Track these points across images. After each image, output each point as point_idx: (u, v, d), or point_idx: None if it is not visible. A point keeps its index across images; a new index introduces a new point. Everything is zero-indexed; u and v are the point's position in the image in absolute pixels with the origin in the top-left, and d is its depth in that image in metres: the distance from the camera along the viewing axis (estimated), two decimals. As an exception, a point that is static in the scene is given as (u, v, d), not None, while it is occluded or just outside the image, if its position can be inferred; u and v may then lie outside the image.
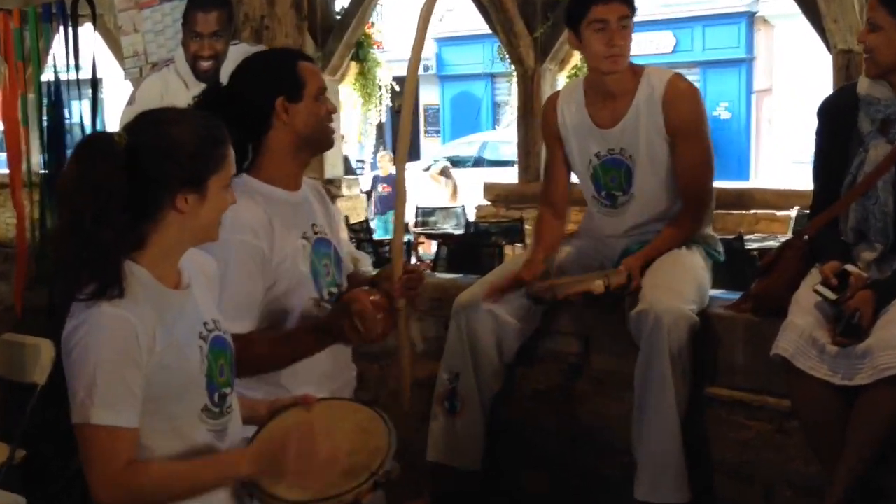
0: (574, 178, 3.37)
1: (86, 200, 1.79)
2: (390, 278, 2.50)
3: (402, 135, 2.61)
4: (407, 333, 2.61)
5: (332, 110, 2.47)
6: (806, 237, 2.89)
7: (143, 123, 1.90)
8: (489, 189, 10.34)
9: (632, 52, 3.10)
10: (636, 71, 3.14)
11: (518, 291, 3.17)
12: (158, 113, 1.95)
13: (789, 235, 4.60)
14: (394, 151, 23.14)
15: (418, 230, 9.60)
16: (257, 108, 2.41)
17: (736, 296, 3.11)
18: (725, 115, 17.61)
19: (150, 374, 1.83)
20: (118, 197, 1.80)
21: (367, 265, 3.08)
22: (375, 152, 16.39)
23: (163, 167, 1.84)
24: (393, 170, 13.20)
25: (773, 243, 6.21)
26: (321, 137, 2.48)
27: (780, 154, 17.02)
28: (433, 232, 9.48)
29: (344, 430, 2.05)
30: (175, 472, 1.88)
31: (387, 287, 2.47)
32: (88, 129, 4.53)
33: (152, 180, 1.84)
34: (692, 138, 3.11)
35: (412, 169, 13.59)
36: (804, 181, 3.01)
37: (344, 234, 2.71)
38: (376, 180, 13.12)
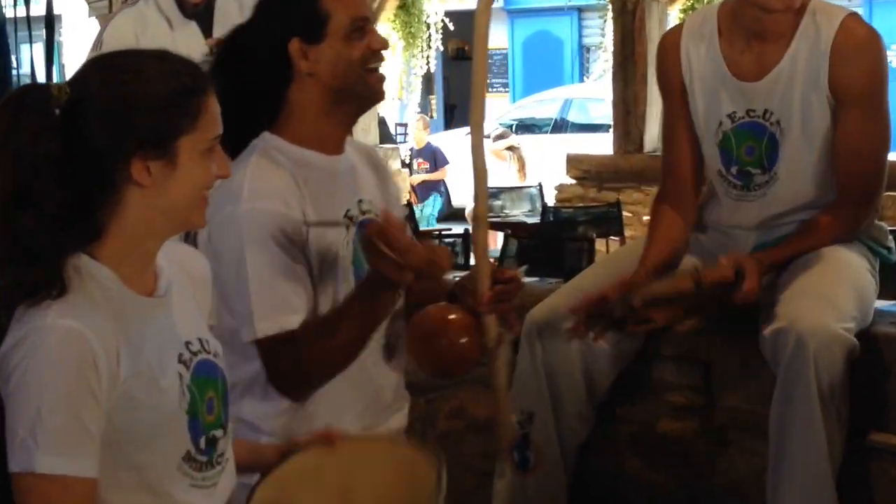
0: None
1: (5, 173, 1.81)
2: (476, 289, 2.47)
3: (475, 90, 2.54)
4: (504, 362, 2.58)
5: (376, 47, 2.47)
6: None
7: (92, 70, 1.91)
8: (574, 163, 10.33)
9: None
10: (798, 7, 3.07)
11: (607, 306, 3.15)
12: (113, 57, 1.96)
13: None
14: (448, 111, 23.27)
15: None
16: (270, 54, 2.45)
17: (912, 309, 3.07)
18: (889, 62, 17.33)
19: (112, 410, 1.83)
20: (48, 168, 1.80)
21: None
22: (424, 112, 16.42)
23: (112, 125, 1.83)
24: (430, 139, 13.37)
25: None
26: (359, 89, 2.48)
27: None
28: (499, 220, 9.48)
29: (376, 480, 2.05)
30: None
31: (472, 301, 2.46)
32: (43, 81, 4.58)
33: (99, 144, 1.83)
34: (866, 104, 3.06)
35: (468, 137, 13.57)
36: None
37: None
38: (410, 155, 13.10)
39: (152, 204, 1.88)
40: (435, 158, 12.93)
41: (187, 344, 1.97)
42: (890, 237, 3.26)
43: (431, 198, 12.65)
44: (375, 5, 10.04)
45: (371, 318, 2.40)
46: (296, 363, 2.34)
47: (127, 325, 1.87)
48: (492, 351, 2.47)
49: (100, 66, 1.92)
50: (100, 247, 1.88)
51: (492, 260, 6.56)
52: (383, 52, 2.50)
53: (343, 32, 2.44)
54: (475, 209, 2.58)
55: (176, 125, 1.86)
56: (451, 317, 2.39)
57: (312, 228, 2.43)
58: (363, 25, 2.46)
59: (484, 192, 2.57)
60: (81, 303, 1.82)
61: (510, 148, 12.12)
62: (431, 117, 19.10)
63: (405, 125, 17.37)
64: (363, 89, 2.49)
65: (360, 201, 2.55)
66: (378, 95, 2.53)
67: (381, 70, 2.51)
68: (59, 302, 1.80)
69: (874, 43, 3.08)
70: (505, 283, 2.47)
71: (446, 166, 12.76)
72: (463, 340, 2.38)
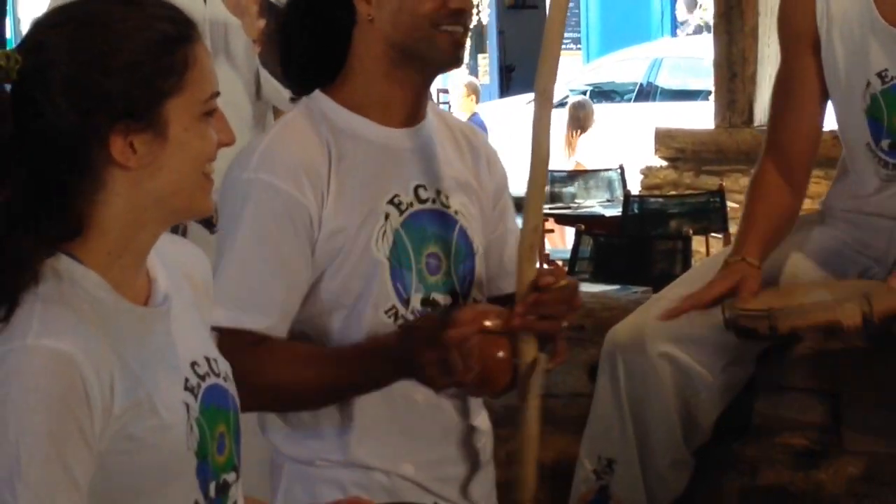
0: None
1: None
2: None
3: (548, 46, 2.57)
4: (536, 391, 2.57)
5: (453, 6, 2.47)
6: None
7: (47, 29, 1.88)
8: (665, 140, 10.30)
9: None
10: None
11: (717, 323, 3.14)
12: (71, 8, 1.91)
13: None
14: (504, 74, 23.31)
15: (546, 209, 9.60)
16: None
17: None
18: None
19: (105, 453, 1.82)
20: (2, 158, 1.78)
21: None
22: (473, 74, 16.43)
23: (77, 97, 1.82)
24: (477, 108, 13.31)
25: None
26: (425, 50, 2.50)
27: None
28: (569, 212, 9.49)
29: None
30: None
31: (508, 314, 2.47)
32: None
33: (65, 122, 1.81)
34: None
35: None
36: None
37: (511, 219, 2.71)
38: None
39: (143, 189, 1.86)
40: None
41: (193, 365, 1.96)
42: None
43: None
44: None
45: (362, 387, 2.44)
46: (247, 374, 2.29)
47: (121, 344, 1.86)
48: (522, 381, 2.48)
49: (55, 22, 1.88)
50: (84, 247, 1.87)
51: (560, 262, 6.60)
52: (465, 16, 2.51)
53: None
54: (528, 198, 2.57)
55: (159, 87, 1.83)
56: (488, 323, 2.38)
57: (330, 218, 2.46)
58: None
59: (543, 180, 2.62)
60: (67, 317, 1.81)
61: (576, 112, 12.01)
62: (482, 82, 19.12)
63: (449, 93, 17.37)
64: (430, 51, 2.50)
65: (419, 187, 2.56)
66: (449, 61, 2.55)
67: (461, 31, 2.50)
68: (39, 318, 1.80)
69: None
70: (545, 287, 2.47)
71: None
72: (500, 355, 2.39)
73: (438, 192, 2.59)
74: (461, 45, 2.53)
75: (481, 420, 2.68)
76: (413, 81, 2.54)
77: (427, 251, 2.54)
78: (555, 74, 2.57)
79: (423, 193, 2.56)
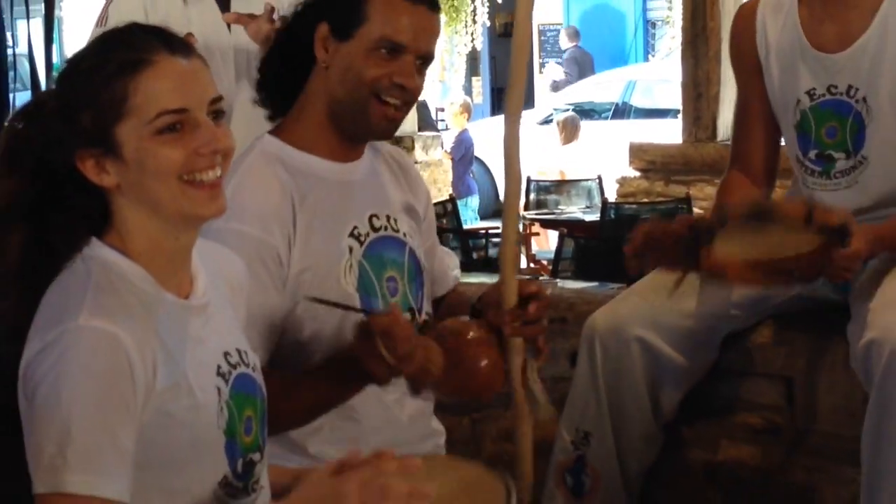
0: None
1: None
2: (500, 303, 2.46)
3: (514, 73, 2.54)
4: (527, 389, 2.55)
5: (397, 80, 2.42)
6: None
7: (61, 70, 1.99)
8: (638, 153, 10.29)
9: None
10: None
11: (684, 313, 3.16)
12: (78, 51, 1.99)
13: None
14: (495, 95, 23.27)
15: (531, 214, 9.60)
16: (303, 31, 2.47)
17: None
18: None
19: (145, 427, 1.83)
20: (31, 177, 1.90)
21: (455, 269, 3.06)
22: (468, 94, 16.41)
23: (55, 127, 1.89)
24: (467, 125, 13.30)
25: None
26: (357, 115, 2.45)
27: None
28: (553, 217, 9.48)
29: (441, 494, 2.04)
30: None
31: (493, 317, 2.44)
32: (41, 63, 4.62)
33: (52, 147, 1.89)
34: None
35: (522, 121, 13.51)
36: None
37: (434, 234, 2.70)
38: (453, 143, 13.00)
39: (135, 201, 1.90)
40: (464, 149, 12.71)
41: (226, 355, 1.98)
42: None
43: (467, 197, 12.51)
44: None
45: (336, 397, 2.39)
46: None
47: (163, 330, 1.88)
48: (513, 382, 2.46)
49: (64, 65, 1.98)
50: (128, 245, 1.91)
51: (545, 262, 6.55)
52: (408, 93, 2.45)
53: (369, 44, 2.42)
54: (505, 210, 2.53)
55: (103, 117, 1.86)
56: (471, 335, 2.36)
57: (299, 255, 2.42)
58: (396, 49, 2.42)
59: (517, 193, 2.56)
60: (114, 303, 1.84)
61: (565, 126, 11.96)
62: (476, 102, 19.09)
63: (443, 110, 17.35)
64: (362, 116, 2.45)
65: (373, 216, 2.53)
66: (378, 133, 2.50)
67: (398, 104, 2.45)
68: (90, 302, 1.82)
69: None
70: (532, 298, 2.44)
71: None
72: (483, 363, 2.35)
73: (388, 218, 2.57)
74: (394, 120, 2.48)
75: (436, 423, 2.68)
76: (347, 135, 2.51)
77: (386, 276, 2.51)
78: (521, 100, 2.54)
79: (376, 222, 2.54)
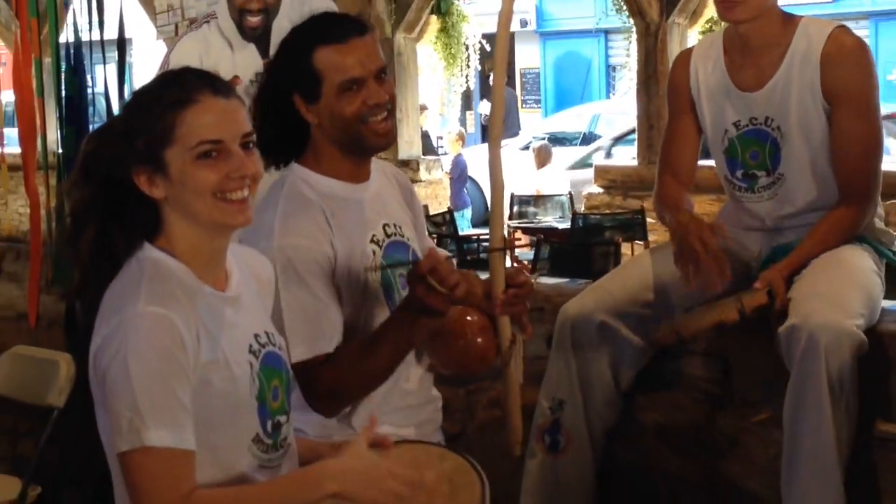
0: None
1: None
2: (490, 293, 2.45)
3: (494, 109, 2.56)
4: (517, 365, 2.56)
5: (370, 103, 2.39)
6: None
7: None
8: (601, 173, 10.29)
9: (786, 2, 3.04)
10: (790, 22, 3.09)
11: (639, 303, 3.16)
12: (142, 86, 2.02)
13: None
14: (484, 126, 23.21)
15: (514, 223, 9.60)
16: (284, 102, 2.42)
17: (918, 309, 3.05)
18: (876, 71, 17.22)
19: (192, 392, 1.85)
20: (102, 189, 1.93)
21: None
22: (463, 126, 16.39)
23: (114, 146, 1.92)
24: (462, 150, 13.31)
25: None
26: (361, 141, 2.42)
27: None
28: (532, 226, 9.47)
29: (430, 482, 2.04)
30: (246, 495, 1.89)
31: (486, 306, 2.45)
32: (115, 101, 4.61)
33: (116, 164, 1.91)
34: (856, 107, 3.04)
35: (508, 147, 13.52)
36: None
37: (425, 235, 2.70)
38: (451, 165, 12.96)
39: (180, 211, 1.92)
40: (459, 170, 12.70)
41: (256, 336, 1.99)
42: (895, 240, 3.24)
43: (462, 210, 12.48)
44: (418, 30, 10.01)
45: (405, 343, 2.34)
46: (332, 384, 2.31)
47: (203, 315, 1.90)
48: (505, 352, 2.46)
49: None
50: (174, 247, 1.93)
51: (525, 263, 6.53)
52: (384, 104, 2.41)
53: (335, 92, 2.37)
54: (491, 219, 2.54)
55: (158, 140, 1.88)
56: (469, 318, 2.38)
57: (340, 258, 2.40)
58: (357, 82, 2.37)
59: (500, 201, 2.54)
60: (164, 292, 1.86)
61: (540, 152, 11.90)
62: (469, 132, 19.07)
63: (441, 137, 17.38)
64: (362, 142, 2.42)
65: (385, 225, 2.52)
66: (380, 145, 2.46)
67: (382, 117, 2.41)
68: (145, 292, 1.84)
69: (861, 50, 3.09)
70: (517, 287, 2.43)
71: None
72: (479, 340, 2.38)
73: (396, 226, 2.54)
74: (387, 131, 2.42)
75: (435, 392, 2.64)
76: (360, 158, 2.49)
77: (399, 273, 2.48)
78: (501, 128, 2.55)
79: (388, 230, 2.52)
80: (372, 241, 2.47)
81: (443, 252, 2.40)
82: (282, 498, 1.91)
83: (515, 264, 8.64)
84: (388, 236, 2.51)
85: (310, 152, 2.47)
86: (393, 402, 2.48)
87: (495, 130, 2.55)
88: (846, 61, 3.03)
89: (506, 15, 2.51)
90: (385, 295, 2.46)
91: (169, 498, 1.79)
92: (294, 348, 2.28)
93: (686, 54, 3.32)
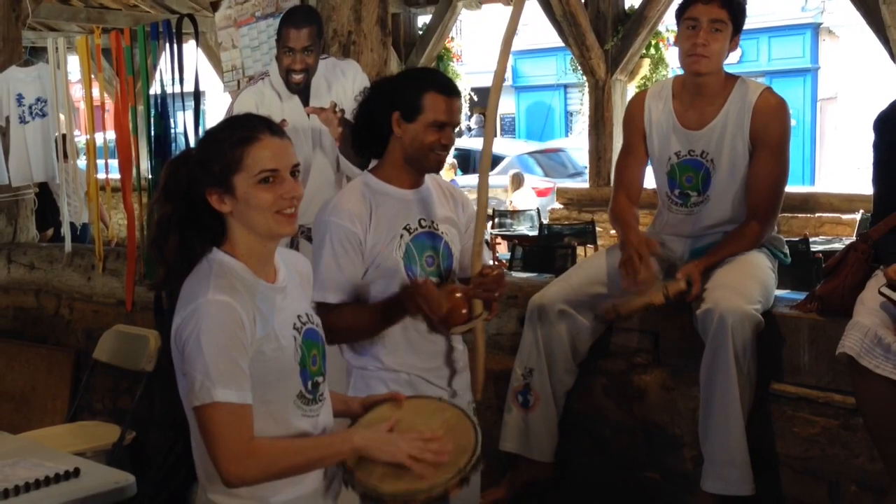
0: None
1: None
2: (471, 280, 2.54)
3: (485, 146, 2.62)
4: (482, 334, 2.62)
5: (444, 142, 2.48)
6: (870, 240, 2.80)
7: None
8: (562, 193, 10.30)
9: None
10: (730, 79, 3.07)
11: (591, 293, 3.15)
12: (216, 125, 2.02)
13: (854, 238, 4.46)
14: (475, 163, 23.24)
15: (495, 231, 9.58)
16: (384, 115, 2.51)
17: (801, 296, 3.04)
18: (791, 123, 17.25)
19: (250, 359, 1.85)
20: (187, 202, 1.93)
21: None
22: (456, 157, 16.32)
23: (191, 171, 1.91)
24: (454, 176, 13.33)
25: (838, 246, 6.05)
26: (422, 161, 2.51)
27: (844, 160, 16.58)
28: (509, 234, 9.46)
29: (432, 427, 2.04)
30: (295, 446, 1.89)
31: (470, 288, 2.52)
32: (192, 138, 4.61)
33: (194, 185, 1.91)
34: (774, 151, 3.03)
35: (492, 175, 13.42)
36: (868, 186, 2.92)
37: (477, 234, 2.72)
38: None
39: (243, 222, 1.91)
40: None
41: (299, 317, 1.99)
42: (785, 245, 3.24)
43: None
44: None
45: (385, 322, 2.49)
46: (330, 326, 2.33)
47: (259, 302, 1.89)
48: (475, 323, 2.52)
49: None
50: (234, 251, 1.93)
51: (504, 261, 6.49)
52: (448, 145, 2.51)
53: (426, 123, 2.46)
54: (476, 226, 2.60)
55: (228, 168, 1.88)
56: (457, 295, 2.46)
57: (371, 236, 2.47)
58: (442, 125, 2.48)
59: (483, 214, 2.61)
60: (227, 286, 1.85)
61: (515, 178, 11.90)
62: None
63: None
64: (424, 164, 2.52)
65: (422, 219, 2.55)
66: (433, 168, 2.55)
67: (444, 153, 2.52)
68: (213, 285, 1.84)
69: (783, 108, 3.08)
70: (485, 275, 2.51)
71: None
72: (464, 311, 2.46)
73: (432, 222, 2.57)
74: (443, 161, 2.55)
75: (459, 343, 2.66)
76: (417, 172, 2.55)
77: (426, 254, 2.54)
78: (490, 161, 2.62)
79: (422, 223, 2.55)
80: (405, 228, 2.53)
81: (459, 286, 2.54)
82: (320, 447, 1.93)
83: (495, 262, 8.66)
84: (422, 227, 2.56)
85: (382, 162, 2.56)
86: (412, 347, 2.55)
87: (484, 163, 2.62)
88: (772, 116, 3.02)
89: (498, 80, 2.60)
90: (406, 267, 2.51)
91: (234, 441, 1.80)
92: (332, 293, 2.46)
93: (642, 95, 3.28)
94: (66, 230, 5.34)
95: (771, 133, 3.02)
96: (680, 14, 3.03)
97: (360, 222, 2.46)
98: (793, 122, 3.20)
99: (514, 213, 10.09)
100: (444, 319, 2.42)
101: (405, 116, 2.48)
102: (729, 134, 3.03)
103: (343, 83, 3.78)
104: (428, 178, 2.62)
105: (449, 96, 2.49)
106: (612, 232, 3.56)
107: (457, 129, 2.56)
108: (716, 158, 3.06)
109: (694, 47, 2.96)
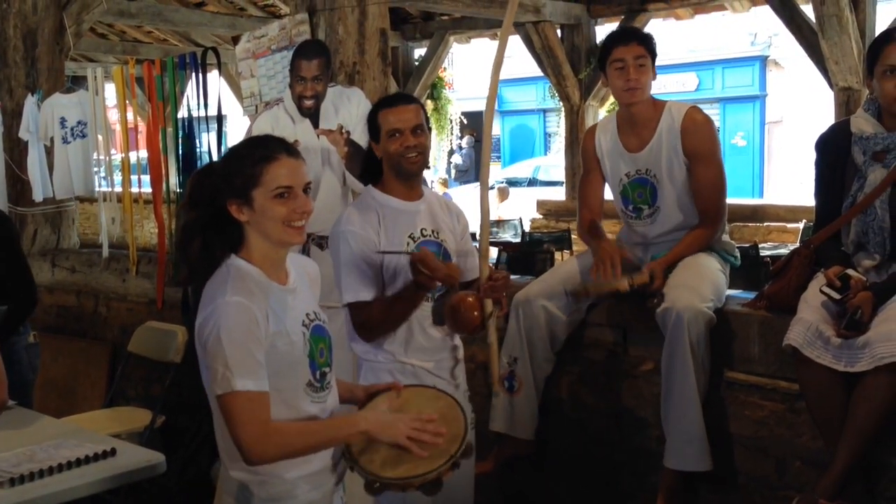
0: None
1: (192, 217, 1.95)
2: (480, 283, 2.56)
3: (483, 163, 2.66)
4: (495, 328, 2.62)
5: (406, 145, 2.47)
6: (812, 246, 2.83)
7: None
8: (541, 204, 10.31)
9: (661, 91, 3.05)
10: (659, 105, 3.09)
11: (565, 291, 3.15)
12: (238, 143, 2.01)
13: (798, 244, 4.49)
14: (477, 177, 23.31)
15: (482, 239, 9.58)
16: (372, 138, 2.54)
17: (751, 296, 3.05)
18: (742, 143, 17.26)
19: (265, 352, 1.84)
20: (202, 207, 1.92)
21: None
22: (449, 175, 16.36)
23: (215, 182, 1.90)
24: (445, 190, 13.38)
25: (784, 251, 6.08)
26: (399, 168, 2.52)
27: (789, 176, 16.65)
28: (494, 240, 9.45)
29: (428, 413, 2.04)
30: (307, 428, 1.89)
31: (480, 292, 2.55)
32: (215, 156, 4.61)
33: (216, 195, 1.90)
34: (707, 161, 3.04)
35: (476, 190, 13.48)
36: (810, 199, 2.94)
37: (468, 244, 2.74)
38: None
39: (259, 231, 1.90)
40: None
41: (307, 315, 1.98)
42: (737, 250, 3.24)
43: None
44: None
45: (408, 306, 2.46)
46: (367, 322, 2.37)
47: (272, 302, 1.88)
48: (487, 320, 2.52)
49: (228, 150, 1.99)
50: (250, 256, 1.92)
51: (492, 265, 6.50)
52: (415, 147, 2.49)
53: (386, 136, 2.49)
54: (481, 234, 2.61)
55: (248, 182, 1.87)
56: (469, 299, 2.45)
57: (383, 243, 2.47)
58: (397, 132, 2.47)
59: (487, 223, 2.62)
60: (244, 288, 1.84)
61: (501, 191, 11.91)
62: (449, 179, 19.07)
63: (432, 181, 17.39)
64: (402, 169, 2.51)
65: (423, 229, 2.56)
66: (414, 172, 2.53)
67: (414, 155, 2.50)
68: (231, 288, 1.83)
69: (708, 122, 3.08)
70: (495, 279, 2.52)
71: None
72: (475, 313, 2.44)
73: (433, 231, 2.58)
74: (417, 161, 2.51)
75: (458, 341, 2.67)
76: (406, 181, 2.55)
77: None
78: (488, 176, 2.66)
79: (425, 232, 2.56)
80: (409, 237, 2.53)
81: (431, 251, 2.49)
82: (329, 429, 1.92)
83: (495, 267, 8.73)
84: (424, 236, 2.56)
85: (383, 178, 2.56)
86: (418, 343, 2.54)
87: (484, 177, 2.67)
88: (698, 131, 3.03)
89: (489, 108, 2.62)
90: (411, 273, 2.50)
91: (254, 424, 1.79)
92: (345, 294, 2.45)
93: (593, 129, 3.30)
94: (103, 239, 5.34)
95: (701, 146, 3.03)
96: (604, 58, 3.04)
97: (371, 228, 2.48)
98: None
99: (500, 223, 10.09)
100: (468, 324, 2.45)
101: (374, 138, 2.53)
102: (665, 152, 3.05)
103: (349, 108, 3.79)
104: (426, 191, 2.63)
105: (392, 107, 2.50)
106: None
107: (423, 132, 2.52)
108: (658, 174, 3.08)
109: (627, 83, 2.97)
